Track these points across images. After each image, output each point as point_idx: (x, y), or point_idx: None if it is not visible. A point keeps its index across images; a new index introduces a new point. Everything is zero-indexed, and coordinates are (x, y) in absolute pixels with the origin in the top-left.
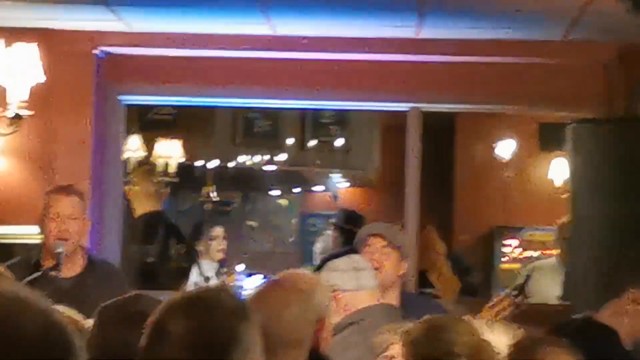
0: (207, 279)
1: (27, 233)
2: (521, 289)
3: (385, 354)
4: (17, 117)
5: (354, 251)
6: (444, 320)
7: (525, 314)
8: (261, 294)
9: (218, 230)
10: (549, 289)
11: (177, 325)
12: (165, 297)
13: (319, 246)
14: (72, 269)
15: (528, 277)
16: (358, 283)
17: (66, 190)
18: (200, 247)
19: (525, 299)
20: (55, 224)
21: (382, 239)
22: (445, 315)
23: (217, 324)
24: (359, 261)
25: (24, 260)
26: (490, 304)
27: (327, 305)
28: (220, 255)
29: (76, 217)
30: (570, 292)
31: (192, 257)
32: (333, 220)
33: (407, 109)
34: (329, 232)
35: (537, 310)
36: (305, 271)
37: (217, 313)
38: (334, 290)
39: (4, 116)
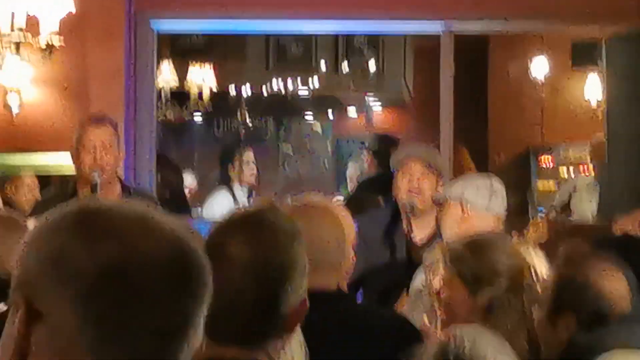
0: (239, 203)
1: (62, 162)
2: (565, 207)
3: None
4: (50, 46)
5: (391, 174)
6: (488, 239)
7: (568, 232)
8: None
9: (249, 155)
10: (588, 206)
11: (237, 247)
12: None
13: (351, 171)
14: (108, 197)
15: (570, 195)
16: (488, 204)
17: (100, 120)
18: (231, 172)
19: (568, 215)
20: (89, 155)
21: (421, 162)
22: (490, 234)
23: (277, 245)
24: (497, 185)
25: (60, 190)
26: (533, 222)
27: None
28: (252, 180)
29: (110, 147)
30: (607, 209)
31: (223, 180)
32: (367, 144)
33: (440, 32)
34: (360, 157)
35: (579, 228)
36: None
37: (277, 234)
38: (463, 203)
39: (37, 46)
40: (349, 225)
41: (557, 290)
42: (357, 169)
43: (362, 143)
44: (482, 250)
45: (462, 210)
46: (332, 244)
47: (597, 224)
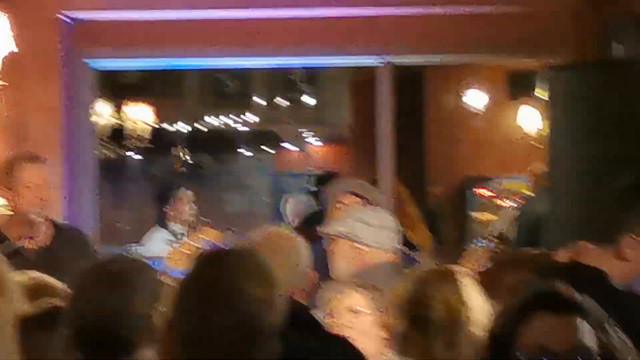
0: (180, 236)
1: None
2: (502, 237)
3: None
4: None
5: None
6: (426, 275)
7: (509, 262)
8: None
9: (188, 195)
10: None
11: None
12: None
13: (289, 208)
14: (40, 240)
15: (507, 224)
16: (380, 241)
17: (37, 158)
18: (170, 211)
19: (506, 246)
20: (29, 193)
21: (357, 196)
22: (430, 270)
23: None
24: (387, 221)
25: None
26: (469, 252)
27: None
28: (191, 219)
29: (47, 184)
30: (551, 237)
31: (160, 219)
32: (307, 184)
33: (378, 63)
34: (296, 195)
35: (516, 256)
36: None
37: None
38: (355, 242)
39: None
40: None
41: (503, 322)
42: (295, 206)
43: (301, 176)
44: (420, 288)
45: (353, 246)
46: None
47: (539, 253)
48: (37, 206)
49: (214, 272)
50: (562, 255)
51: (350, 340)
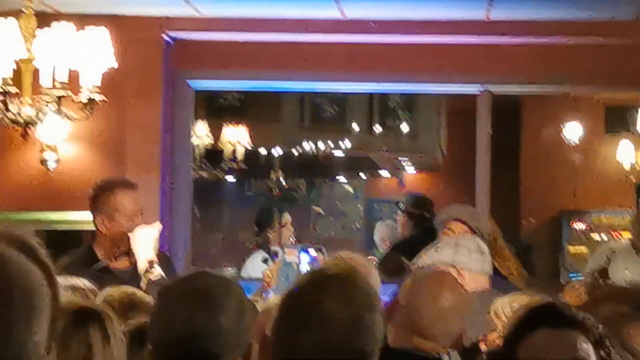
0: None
1: None
2: (603, 272)
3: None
4: (91, 101)
5: (425, 235)
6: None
7: (607, 296)
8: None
9: (287, 217)
10: (627, 272)
11: (335, 305)
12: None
13: (380, 233)
14: (127, 261)
15: (609, 259)
16: (482, 266)
17: (133, 185)
18: (269, 234)
19: (606, 281)
20: (122, 218)
21: (464, 223)
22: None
23: (371, 305)
24: (483, 245)
25: (82, 252)
26: (569, 286)
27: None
28: (292, 242)
29: (140, 211)
30: None
31: (261, 243)
32: (401, 205)
33: (477, 92)
34: (388, 221)
35: (618, 291)
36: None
37: (369, 295)
38: (458, 267)
39: (78, 101)
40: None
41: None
42: (386, 231)
43: (396, 204)
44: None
45: (457, 274)
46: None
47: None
48: (129, 230)
49: (308, 291)
50: None
51: None
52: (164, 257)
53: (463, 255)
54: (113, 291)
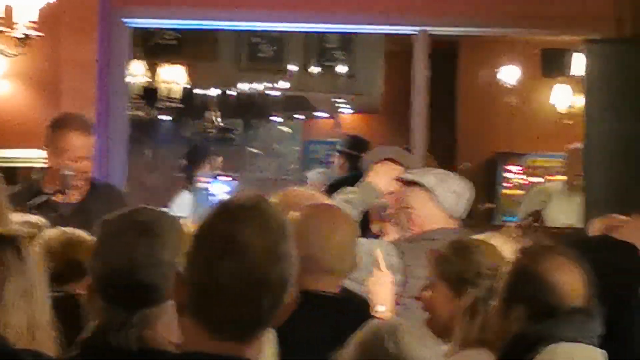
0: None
1: (32, 157)
2: (537, 214)
3: None
4: (26, 37)
5: (360, 176)
6: (472, 241)
7: (541, 237)
8: (309, 214)
9: (218, 161)
10: (561, 214)
11: (250, 235)
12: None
13: (311, 178)
14: (75, 195)
15: (544, 202)
16: (454, 208)
17: (87, 128)
18: (199, 176)
19: (541, 224)
20: (72, 162)
21: (394, 163)
22: (471, 237)
23: (285, 236)
24: (459, 185)
25: (27, 185)
26: (504, 229)
27: None
28: None
29: (91, 155)
30: (589, 215)
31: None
32: (338, 145)
33: (415, 32)
34: (320, 169)
35: (552, 233)
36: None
37: (284, 225)
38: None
39: (12, 37)
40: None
41: (510, 281)
42: (317, 178)
43: (333, 143)
44: (467, 252)
45: (431, 199)
46: (343, 249)
47: (574, 230)
48: (79, 173)
49: (222, 222)
50: (596, 228)
51: None
52: (112, 191)
53: (440, 188)
54: (52, 232)
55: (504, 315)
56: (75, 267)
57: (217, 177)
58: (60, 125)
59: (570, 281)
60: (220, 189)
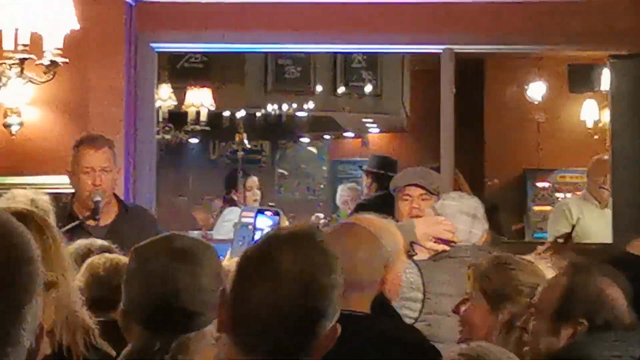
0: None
1: (61, 183)
2: (568, 236)
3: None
4: (54, 64)
5: (389, 196)
6: (512, 257)
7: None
8: (334, 235)
9: (252, 181)
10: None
11: (287, 262)
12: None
13: (340, 196)
14: (106, 218)
15: (578, 219)
16: (469, 232)
17: (96, 142)
18: (234, 197)
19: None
20: (88, 177)
21: (420, 187)
22: (511, 255)
23: (326, 265)
24: (477, 208)
25: (59, 210)
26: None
27: (394, 251)
28: (255, 205)
29: (108, 169)
30: (617, 230)
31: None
32: (365, 166)
33: (440, 51)
34: (350, 183)
35: (581, 249)
36: (374, 216)
37: (326, 254)
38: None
39: (40, 63)
40: (390, 243)
41: (562, 297)
42: (348, 194)
43: (360, 167)
44: (506, 269)
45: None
46: (367, 265)
47: (607, 247)
48: (99, 189)
49: (266, 248)
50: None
51: None
52: (144, 214)
53: (459, 219)
54: (96, 258)
55: (552, 332)
56: (120, 293)
57: (262, 212)
58: (75, 145)
59: (621, 298)
60: (264, 223)
